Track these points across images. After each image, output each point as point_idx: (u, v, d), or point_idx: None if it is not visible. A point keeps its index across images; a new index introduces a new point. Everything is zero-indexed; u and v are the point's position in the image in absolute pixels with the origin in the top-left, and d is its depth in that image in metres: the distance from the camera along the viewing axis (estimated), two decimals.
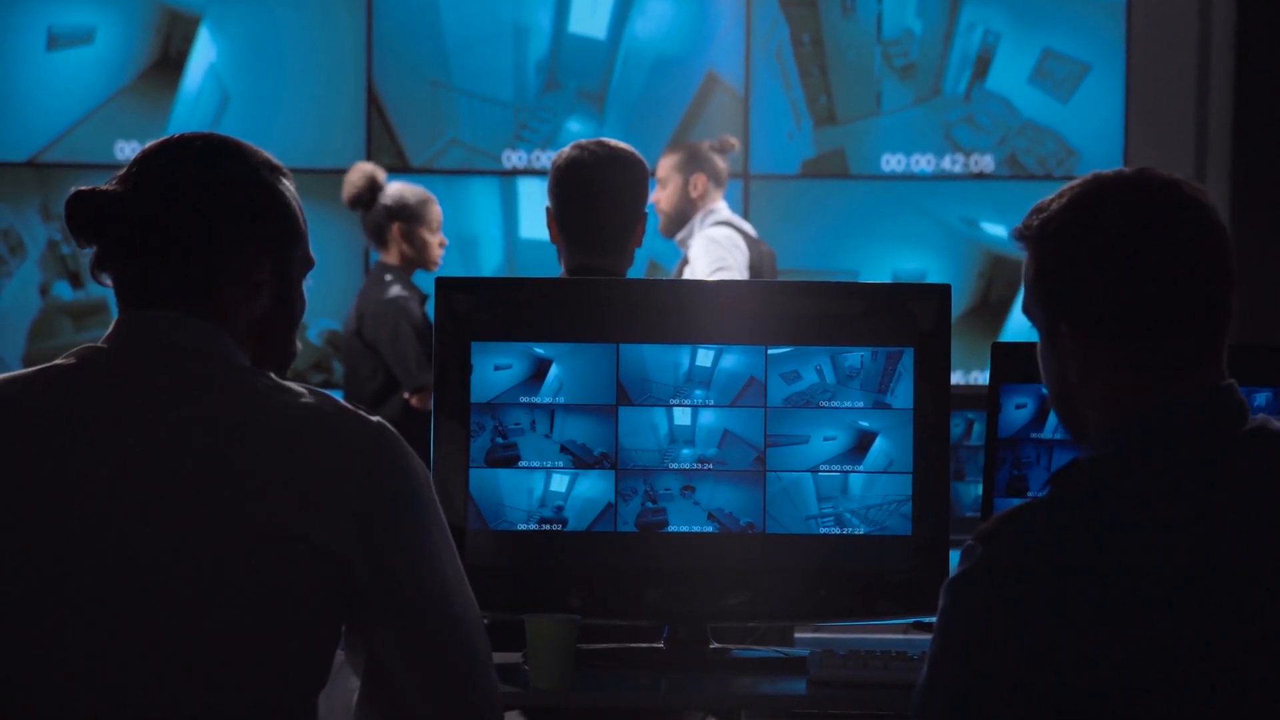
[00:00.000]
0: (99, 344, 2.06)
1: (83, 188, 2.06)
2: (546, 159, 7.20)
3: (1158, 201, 1.96)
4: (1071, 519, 1.89)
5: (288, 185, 2.13)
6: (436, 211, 6.10)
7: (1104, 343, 1.95)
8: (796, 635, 3.59)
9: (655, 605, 2.81)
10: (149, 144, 2.12)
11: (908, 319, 2.82)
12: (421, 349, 5.92)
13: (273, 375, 2.07)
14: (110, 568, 1.93)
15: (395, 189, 6.07)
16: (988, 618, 1.88)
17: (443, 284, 2.82)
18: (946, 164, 7.34)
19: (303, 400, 2.03)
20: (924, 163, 7.34)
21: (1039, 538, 1.89)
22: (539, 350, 2.80)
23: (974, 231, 7.38)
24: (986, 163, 7.33)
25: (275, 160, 2.14)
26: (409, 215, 6.04)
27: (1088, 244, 1.96)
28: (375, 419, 2.05)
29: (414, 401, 5.96)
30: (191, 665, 1.93)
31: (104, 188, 2.06)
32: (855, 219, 7.40)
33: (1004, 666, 1.87)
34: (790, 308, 2.84)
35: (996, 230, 7.33)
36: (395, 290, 5.99)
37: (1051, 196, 2.01)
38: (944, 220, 7.37)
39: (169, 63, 7.39)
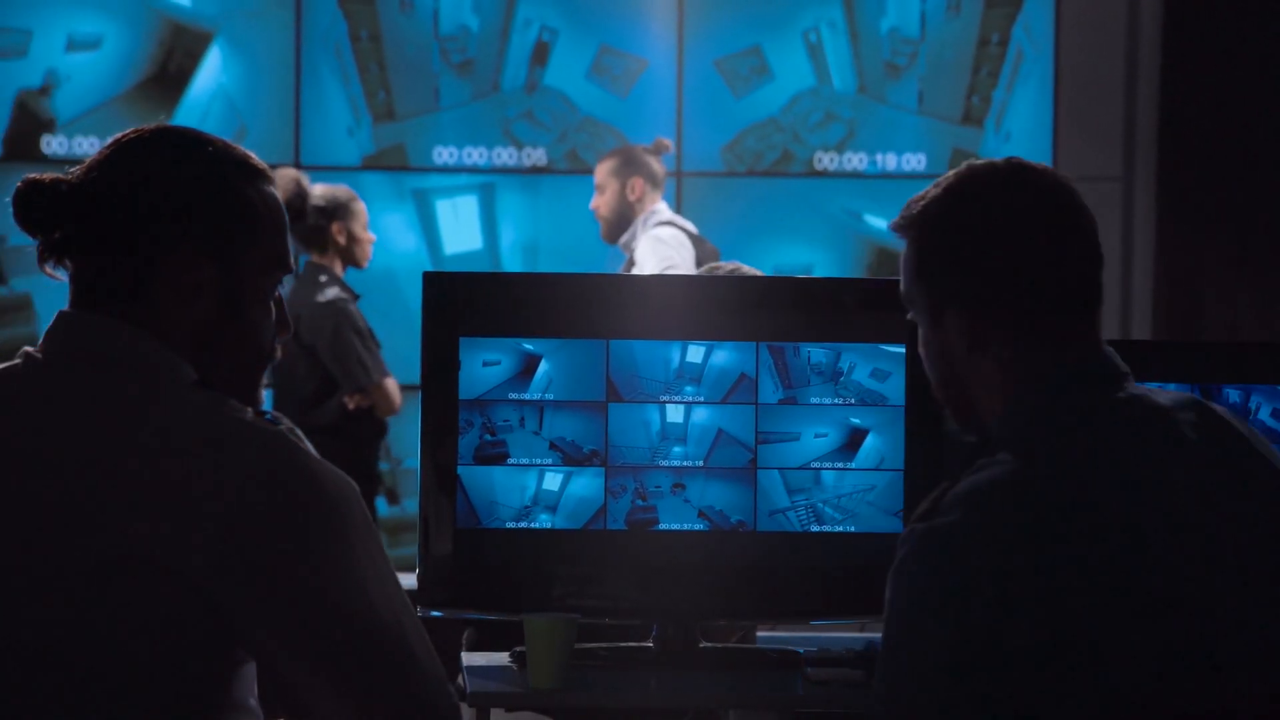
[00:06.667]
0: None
1: (33, 175, 1.97)
2: None
3: (1030, 185, 2.07)
4: (992, 494, 1.94)
5: (258, 186, 2.01)
6: (364, 208, 6.12)
7: (991, 321, 2.04)
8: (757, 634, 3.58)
9: (645, 603, 2.79)
10: (118, 135, 2.02)
11: (900, 315, 2.80)
12: (363, 350, 5.88)
13: (200, 387, 1.94)
14: None
15: (324, 189, 6.05)
16: (938, 593, 1.92)
17: (431, 279, 2.78)
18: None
19: (199, 412, 1.90)
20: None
21: (970, 511, 1.93)
22: (528, 346, 2.76)
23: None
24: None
25: (251, 159, 2.02)
26: (346, 213, 6.02)
27: (969, 227, 2.05)
28: (276, 428, 1.92)
29: (350, 403, 5.91)
30: (38, 695, 1.85)
31: (55, 177, 1.97)
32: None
33: (958, 638, 1.89)
34: (781, 303, 2.82)
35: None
36: (332, 292, 5.95)
37: (927, 188, 2.11)
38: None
39: (168, 77, 7.31)
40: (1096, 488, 1.94)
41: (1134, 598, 1.89)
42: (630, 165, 6.08)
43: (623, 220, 6.05)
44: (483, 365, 2.76)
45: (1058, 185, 2.07)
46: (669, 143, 6.35)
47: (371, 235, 6.12)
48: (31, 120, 7.25)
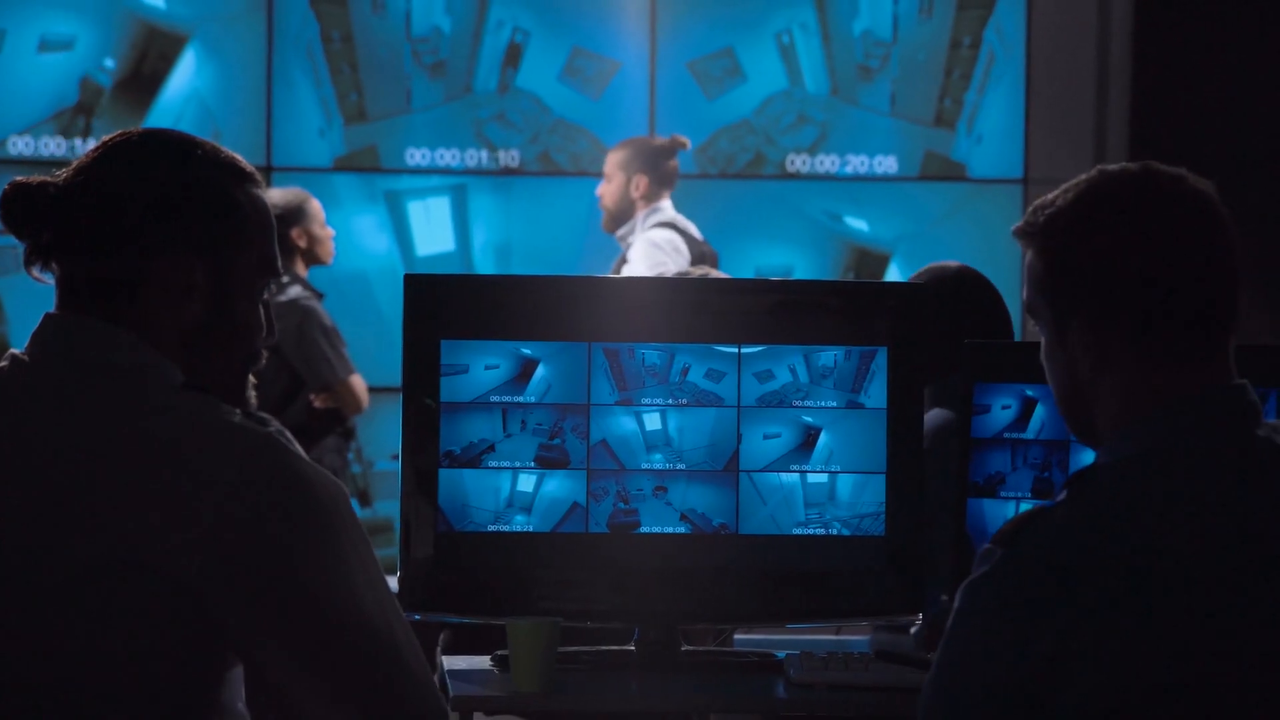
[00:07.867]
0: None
1: (20, 178, 1.97)
2: None
3: (1167, 195, 1.95)
4: (1091, 520, 1.87)
5: (247, 188, 2.01)
6: (319, 205, 6.11)
7: (1118, 338, 1.93)
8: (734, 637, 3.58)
9: (626, 606, 2.78)
10: (105, 138, 2.02)
11: (881, 318, 2.80)
12: (328, 348, 5.88)
13: (188, 389, 1.94)
14: None
15: (278, 196, 6.04)
16: (1003, 619, 1.87)
17: (412, 281, 2.77)
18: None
19: (189, 415, 1.90)
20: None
21: (1058, 539, 1.87)
22: (511, 349, 2.75)
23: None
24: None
25: (239, 161, 2.02)
26: (303, 216, 6.02)
27: (1100, 239, 1.94)
28: (266, 431, 1.92)
29: (317, 402, 5.92)
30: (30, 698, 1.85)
31: (43, 180, 1.97)
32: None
33: (1017, 667, 1.85)
34: (763, 306, 2.82)
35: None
36: (295, 290, 5.95)
37: (1055, 193, 1.99)
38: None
39: (142, 79, 7.26)
40: (1194, 538, 1.85)
41: (1203, 664, 1.82)
42: (638, 161, 6.03)
43: (623, 215, 6.02)
44: (466, 368, 2.75)
45: (1194, 195, 1.95)
46: (686, 140, 6.26)
47: (330, 230, 6.12)
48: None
